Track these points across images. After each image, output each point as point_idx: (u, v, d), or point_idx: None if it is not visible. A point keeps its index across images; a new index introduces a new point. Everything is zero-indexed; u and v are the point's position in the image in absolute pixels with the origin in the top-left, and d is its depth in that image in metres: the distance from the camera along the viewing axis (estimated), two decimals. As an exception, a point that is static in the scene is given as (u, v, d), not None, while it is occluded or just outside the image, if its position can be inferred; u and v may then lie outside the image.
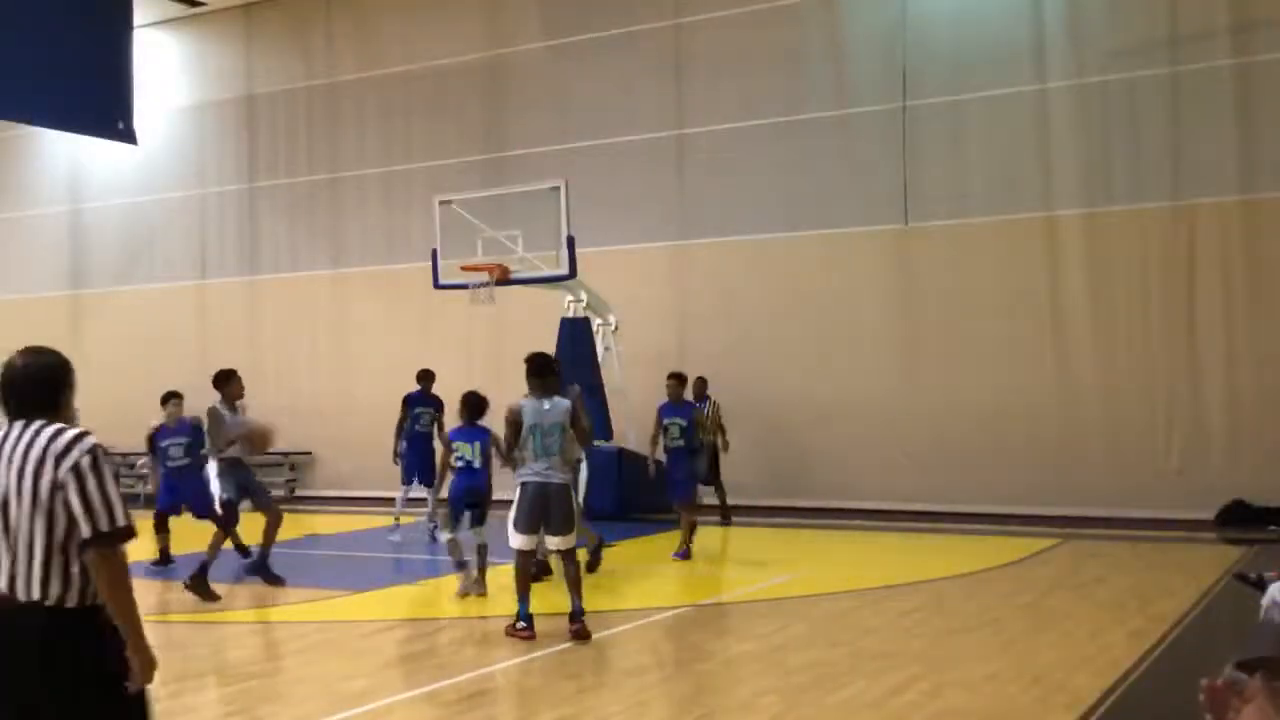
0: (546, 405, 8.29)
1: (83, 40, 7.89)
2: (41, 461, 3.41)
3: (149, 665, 3.48)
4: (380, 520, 15.85)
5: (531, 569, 8.68)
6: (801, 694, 6.69)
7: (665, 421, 12.35)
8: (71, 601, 3.39)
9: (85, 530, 3.37)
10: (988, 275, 16.15)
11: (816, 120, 17.07)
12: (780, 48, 17.36)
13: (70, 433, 3.48)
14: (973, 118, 16.24)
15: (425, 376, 14.39)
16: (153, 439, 11.86)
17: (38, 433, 3.47)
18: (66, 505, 3.39)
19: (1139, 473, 15.08)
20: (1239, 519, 14.24)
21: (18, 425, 3.52)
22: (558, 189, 15.41)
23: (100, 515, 3.39)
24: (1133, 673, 7.11)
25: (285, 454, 20.55)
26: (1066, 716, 6.19)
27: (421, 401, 14.16)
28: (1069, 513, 14.87)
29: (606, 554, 12.59)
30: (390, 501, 15.09)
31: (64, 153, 22.81)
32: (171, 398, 11.92)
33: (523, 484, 8.30)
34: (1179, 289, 15.21)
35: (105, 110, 8.04)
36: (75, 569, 3.40)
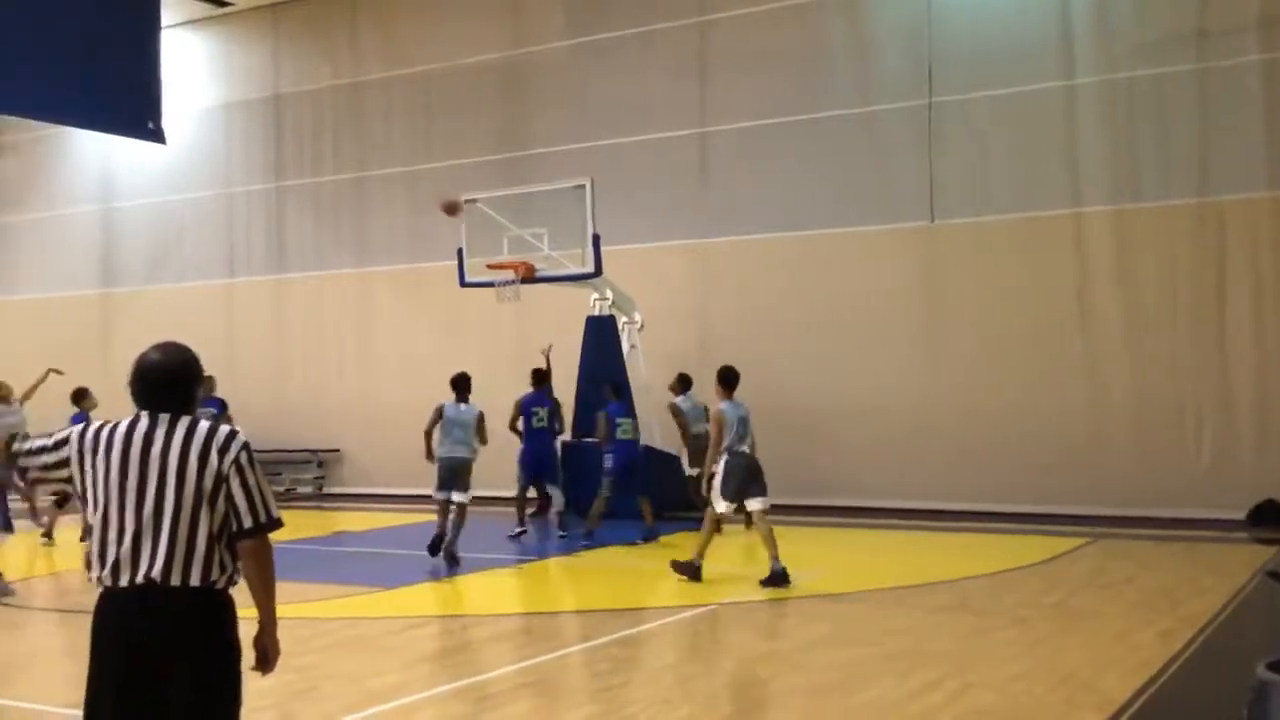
0: (464, 407, 12.08)
1: (112, 42, 7.96)
2: (204, 456, 3.55)
3: (278, 652, 3.81)
4: (409, 517, 15.92)
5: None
6: (827, 693, 6.68)
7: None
8: (220, 584, 3.59)
9: (247, 522, 3.59)
10: (1013, 273, 16.07)
11: (840, 117, 17.02)
12: (803, 45, 17.32)
13: (225, 428, 3.65)
14: (998, 114, 16.16)
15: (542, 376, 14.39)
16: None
17: (192, 428, 3.59)
18: (229, 497, 3.57)
19: (1168, 471, 14.98)
20: (1270, 518, 14.12)
21: (163, 419, 3.60)
22: (583, 187, 15.43)
23: (259, 508, 3.61)
24: (1163, 674, 7.06)
25: (313, 451, 20.70)
26: (1095, 717, 6.16)
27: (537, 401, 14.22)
28: (1097, 512, 14.78)
29: (631, 551, 12.64)
30: (418, 499, 15.17)
31: (95, 152, 23.02)
32: None
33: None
34: (1208, 286, 15.09)
35: (135, 110, 8.12)
36: (227, 556, 3.60)
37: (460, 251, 16.33)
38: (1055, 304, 15.81)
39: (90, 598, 3.67)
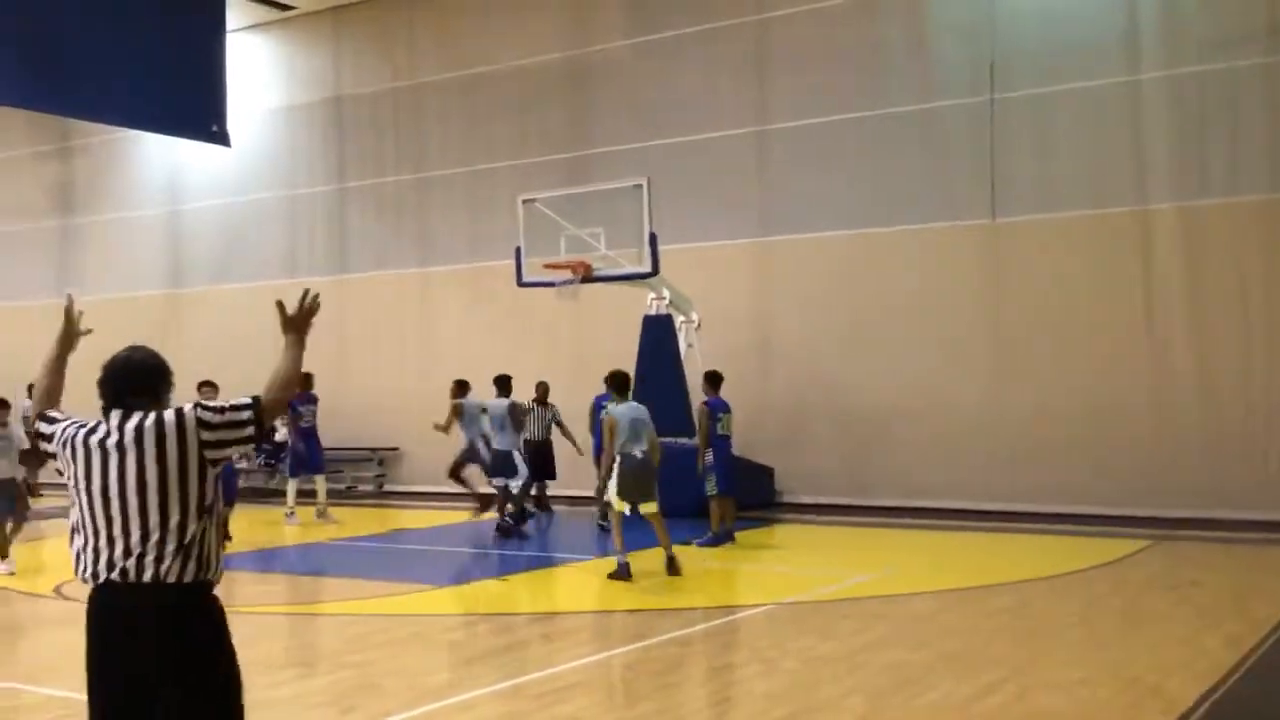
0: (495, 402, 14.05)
1: (178, 45, 8.09)
2: (176, 442, 3.55)
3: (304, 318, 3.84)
4: (469, 514, 16.01)
5: None
6: (887, 695, 6.63)
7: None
8: (189, 577, 3.54)
9: (249, 430, 3.61)
10: (1078, 271, 15.82)
11: (901, 114, 16.87)
12: (864, 41, 17.19)
13: (169, 410, 3.64)
14: (1063, 110, 15.92)
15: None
16: None
17: (142, 422, 3.58)
18: (223, 443, 3.59)
19: (1236, 473, 14.67)
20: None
21: (115, 415, 3.63)
22: (640, 186, 15.43)
23: (237, 415, 3.61)
24: (1229, 678, 6.92)
25: (373, 450, 20.91)
26: (1160, 722, 6.06)
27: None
28: (1163, 514, 14.52)
29: (692, 551, 12.59)
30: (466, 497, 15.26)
31: (162, 155, 23.45)
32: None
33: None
34: (1277, 283, 14.76)
35: (200, 114, 8.24)
36: (210, 547, 3.58)
37: (519, 251, 16.41)
38: (1120, 302, 15.55)
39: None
